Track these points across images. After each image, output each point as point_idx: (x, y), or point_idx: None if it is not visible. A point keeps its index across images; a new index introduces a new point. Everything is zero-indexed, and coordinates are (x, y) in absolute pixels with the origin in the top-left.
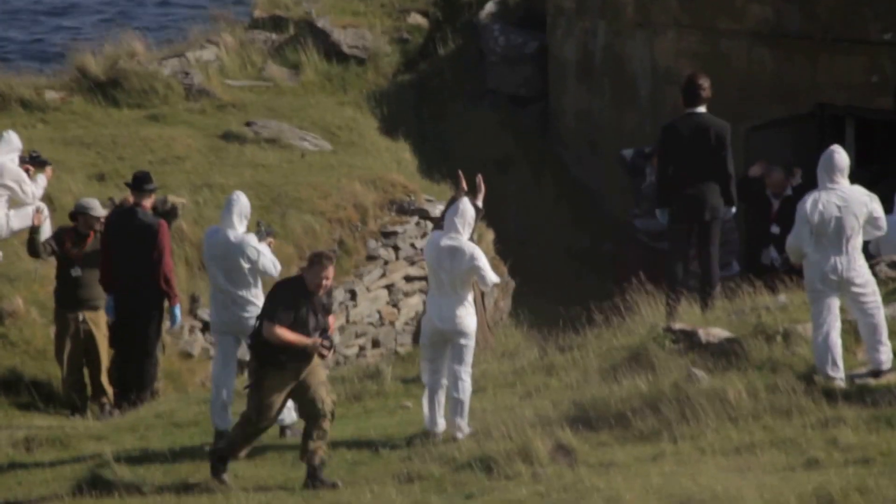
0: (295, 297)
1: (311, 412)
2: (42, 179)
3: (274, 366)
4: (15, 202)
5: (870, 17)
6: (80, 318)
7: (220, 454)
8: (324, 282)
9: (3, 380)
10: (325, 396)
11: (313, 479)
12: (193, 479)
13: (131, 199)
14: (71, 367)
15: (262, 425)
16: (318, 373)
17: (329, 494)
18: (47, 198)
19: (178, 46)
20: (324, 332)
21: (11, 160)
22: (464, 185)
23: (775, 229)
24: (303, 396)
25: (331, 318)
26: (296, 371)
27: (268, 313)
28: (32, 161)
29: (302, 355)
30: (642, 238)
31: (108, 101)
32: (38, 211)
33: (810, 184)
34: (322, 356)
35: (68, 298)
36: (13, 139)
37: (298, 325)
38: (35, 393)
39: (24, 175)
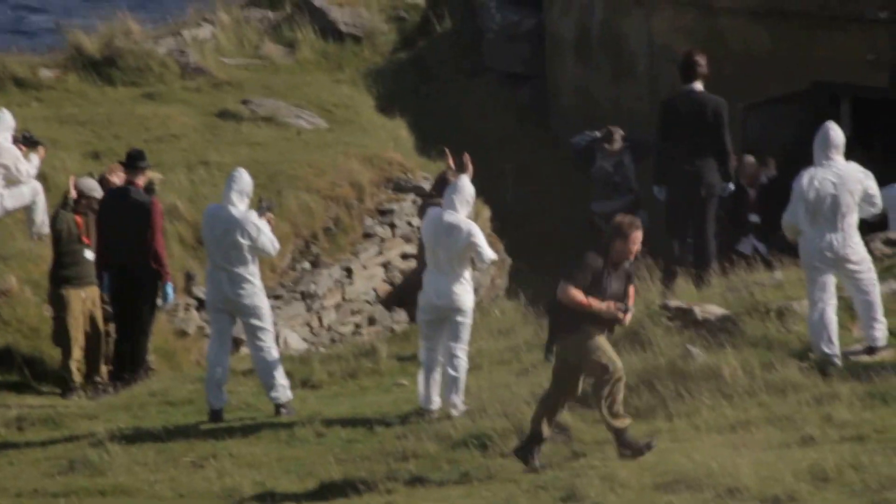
0: (600, 265)
1: (601, 376)
2: (35, 159)
3: (571, 331)
4: (9, 181)
5: None
6: (84, 295)
7: (531, 438)
8: (632, 248)
9: None
10: (615, 357)
11: (623, 445)
12: (187, 457)
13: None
14: (81, 345)
15: (567, 395)
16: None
17: (325, 472)
18: (42, 176)
19: (174, 25)
20: (622, 299)
21: (5, 139)
22: (450, 162)
23: (754, 218)
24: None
25: (631, 288)
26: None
27: (567, 275)
28: (25, 141)
29: (599, 322)
30: (598, 221)
31: (103, 80)
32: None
33: (807, 161)
34: (618, 322)
35: (79, 277)
36: (6, 118)
37: (600, 292)
38: (28, 372)
39: (19, 154)
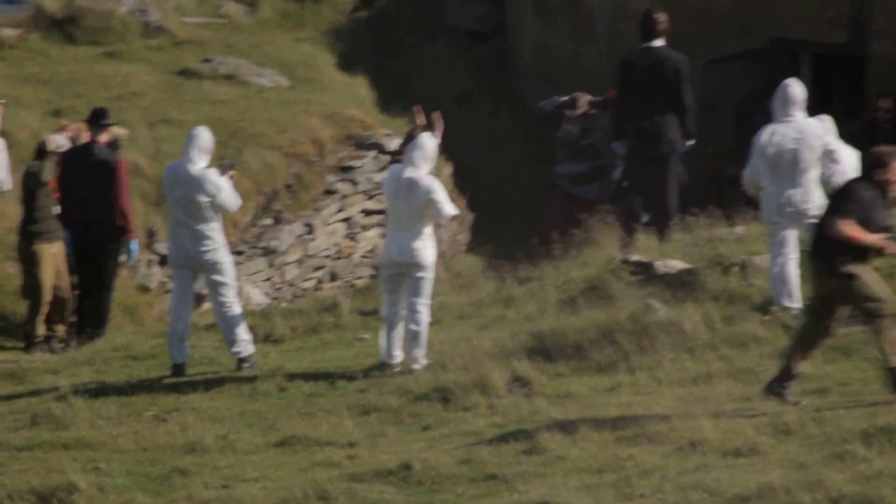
0: (869, 196)
1: (874, 308)
2: None
3: (836, 265)
4: None
5: None
6: (53, 250)
7: (783, 374)
8: (893, 177)
9: None
10: (886, 288)
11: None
12: (150, 411)
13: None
14: (50, 300)
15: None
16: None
17: (287, 426)
18: (4, 133)
19: None
20: (889, 230)
21: None
22: (420, 119)
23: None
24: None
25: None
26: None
27: (838, 209)
28: None
29: (864, 254)
30: (562, 183)
31: (65, 39)
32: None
33: (767, 119)
34: (884, 253)
35: (49, 232)
36: None
37: (869, 224)
38: None
39: None
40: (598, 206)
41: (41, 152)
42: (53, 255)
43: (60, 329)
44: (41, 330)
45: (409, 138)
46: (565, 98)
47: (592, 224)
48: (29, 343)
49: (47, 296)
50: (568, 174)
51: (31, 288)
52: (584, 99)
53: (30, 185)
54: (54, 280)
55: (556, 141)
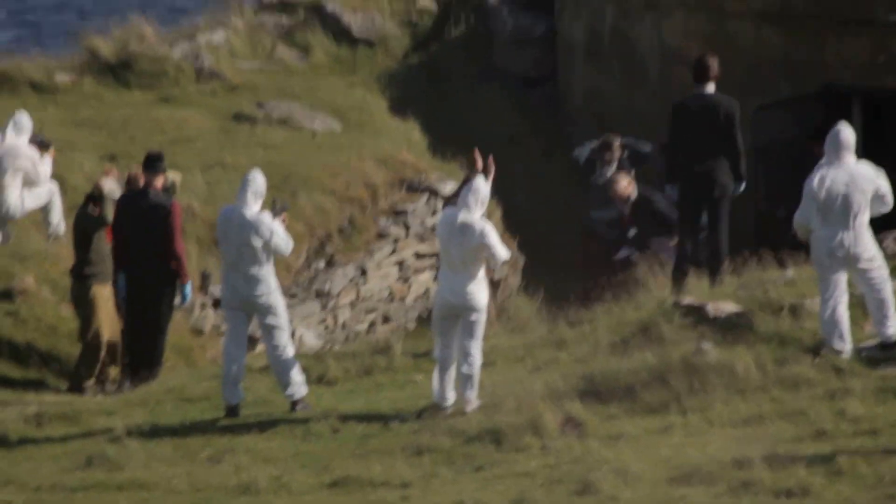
0: None
1: None
2: (47, 160)
3: None
4: (28, 183)
5: None
6: (107, 293)
7: None
8: None
9: (14, 356)
10: None
11: None
12: (204, 452)
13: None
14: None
15: None
16: None
17: (340, 467)
18: (58, 178)
19: (189, 29)
20: None
21: (23, 142)
22: (479, 164)
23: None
24: None
25: None
26: None
27: None
28: (38, 144)
29: None
30: (599, 229)
31: (119, 83)
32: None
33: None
34: None
35: (104, 273)
36: (24, 121)
37: None
38: (46, 369)
39: (37, 156)
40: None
41: (94, 196)
42: (108, 298)
43: (113, 371)
44: (113, 373)
45: (466, 182)
46: (597, 143)
47: (641, 267)
48: (76, 386)
49: (107, 338)
50: (603, 219)
51: (87, 331)
52: (617, 142)
53: (89, 228)
54: (110, 327)
55: (590, 186)
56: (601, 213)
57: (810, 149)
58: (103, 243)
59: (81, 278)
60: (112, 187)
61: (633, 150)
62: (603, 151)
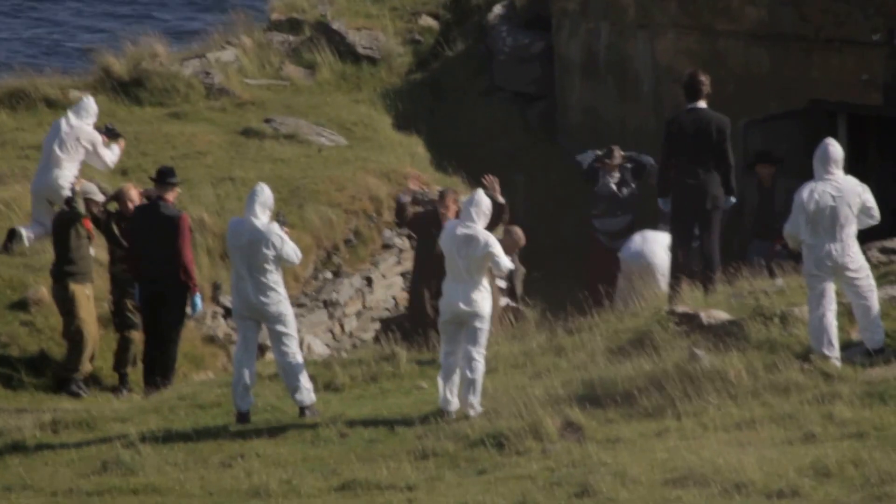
0: None
1: None
2: (116, 149)
3: None
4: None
5: (860, 19)
6: (87, 292)
7: None
8: None
9: (30, 364)
10: None
11: None
12: (216, 457)
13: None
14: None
15: None
16: None
17: (348, 471)
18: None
19: (199, 48)
20: None
21: (87, 124)
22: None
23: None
24: None
25: None
26: None
27: None
28: (108, 133)
29: None
30: (601, 238)
31: (131, 100)
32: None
33: (806, 175)
34: None
35: (84, 273)
36: (90, 105)
37: None
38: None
39: (99, 138)
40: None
41: (70, 198)
42: (89, 297)
43: (88, 367)
44: (88, 368)
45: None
46: (602, 151)
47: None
48: (63, 385)
49: (91, 335)
50: (606, 230)
51: (69, 329)
52: (619, 151)
53: (64, 225)
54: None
55: (594, 195)
56: (603, 222)
57: (755, 170)
58: (83, 243)
59: (60, 278)
60: (90, 189)
61: (635, 161)
62: (606, 160)
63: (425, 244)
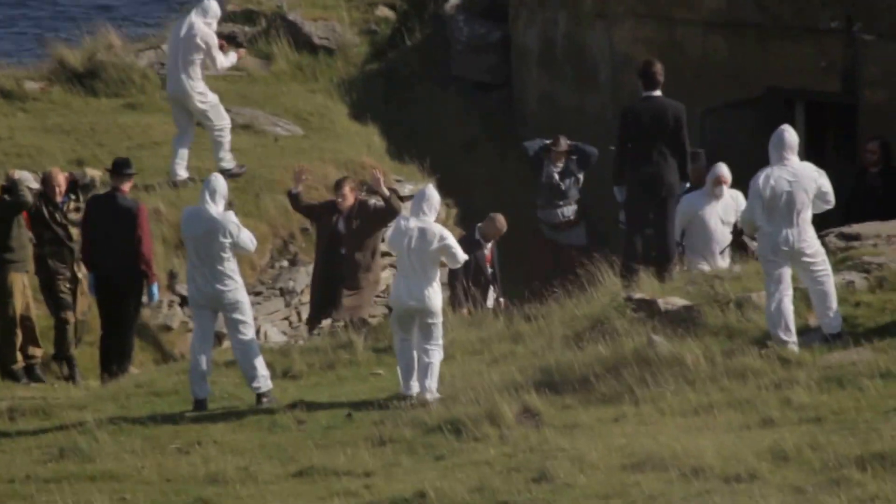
0: None
1: None
2: (233, 56)
3: None
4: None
5: (818, 6)
6: (25, 280)
7: None
8: None
9: None
10: None
11: None
12: (173, 444)
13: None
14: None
15: None
16: None
17: (305, 457)
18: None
19: (154, 39)
20: None
21: (206, 23)
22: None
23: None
24: None
25: None
26: None
27: None
28: (228, 39)
29: None
30: (544, 229)
31: (86, 91)
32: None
33: (763, 162)
34: None
35: (22, 261)
36: (213, 6)
37: None
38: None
39: (216, 40)
40: (582, 252)
41: (6, 186)
42: (24, 285)
43: (37, 352)
44: (20, 359)
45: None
46: (549, 140)
47: (592, 266)
48: (5, 371)
49: (17, 325)
50: (549, 221)
51: (6, 318)
52: (565, 141)
53: (5, 214)
54: (24, 310)
55: (537, 185)
56: (546, 213)
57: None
58: (23, 232)
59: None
60: (27, 177)
61: (580, 151)
62: (551, 150)
63: (325, 230)
